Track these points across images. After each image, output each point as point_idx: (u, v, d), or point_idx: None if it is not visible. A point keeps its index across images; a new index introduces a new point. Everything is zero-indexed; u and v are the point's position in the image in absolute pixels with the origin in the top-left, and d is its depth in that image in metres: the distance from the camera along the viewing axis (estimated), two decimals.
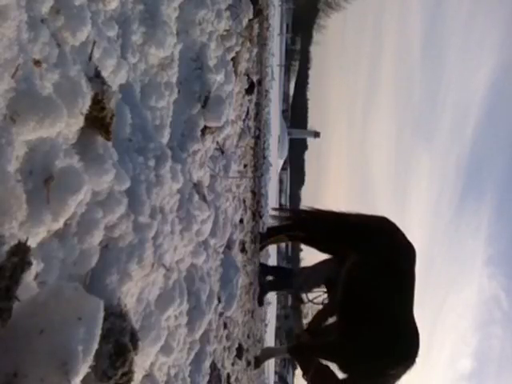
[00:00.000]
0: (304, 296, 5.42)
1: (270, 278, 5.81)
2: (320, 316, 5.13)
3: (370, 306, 4.18)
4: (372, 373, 4.20)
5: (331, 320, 4.90)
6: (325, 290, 5.05)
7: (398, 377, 4.20)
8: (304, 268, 5.72)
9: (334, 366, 4.48)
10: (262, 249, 5.77)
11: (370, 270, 4.29)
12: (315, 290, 5.15)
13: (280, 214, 5.79)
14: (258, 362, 5.04)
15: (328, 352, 4.52)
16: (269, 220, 6.11)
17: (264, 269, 5.61)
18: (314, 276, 5.10)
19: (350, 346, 4.22)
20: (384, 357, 4.10)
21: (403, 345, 4.16)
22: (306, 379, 4.64)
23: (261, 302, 5.78)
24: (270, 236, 5.63)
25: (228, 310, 2.75)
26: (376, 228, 4.67)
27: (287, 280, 5.42)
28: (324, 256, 5.16)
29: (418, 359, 4.15)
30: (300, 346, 4.85)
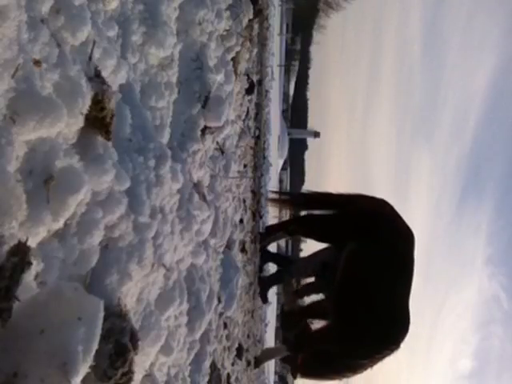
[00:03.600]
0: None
1: (269, 273, 5.82)
2: (308, 286, 5.22)
3: (368, 291, 4.23)
4: (361, 354, 4.32)
5: (318, 297, 4.96)
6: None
7: (382, 359, 4.36)
8: (304, 257, 5.80)
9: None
10: (262, 249, 5.78)
11: (369, 256, 4.34)
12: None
13: (279, 198, 5.78)
14: (258, 363, 5.06)
15: (322, 335, 4.59)
16: (267, 204, 6.14)
17: (265, 255, 5.65)
18: (312, 262, 5.14)
19: (345, 327, 4.30)
20: (377, 341, 4.22)
21: (396, 331, 4.28)
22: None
23: (265, 299, 5.80)
24: (269, 234, 5.64)
25: (228, 309, 2.75)
26: (375, 213, 4.69)
27: (287, 267, 5.47)
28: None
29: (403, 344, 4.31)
30: (291, 315, 4.95)
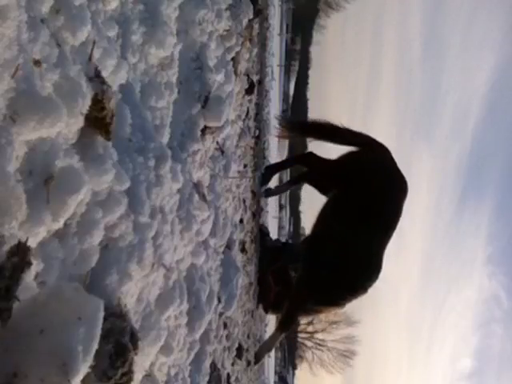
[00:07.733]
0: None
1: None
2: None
3: (347, 233, 4.34)
4: (328, 298, 4.46)
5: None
6: None
7: (349, 301, 4.49)
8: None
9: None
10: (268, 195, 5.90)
11: (357, 200, 4.43)
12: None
13: (284, 124, 5.62)
14: (258, 358, 5.08)
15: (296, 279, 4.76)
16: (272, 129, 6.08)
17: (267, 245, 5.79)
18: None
19: (317, 267, 4.42)
20: (345, 287, 4.34)
21: (366, 278, 4.39)
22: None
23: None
24: (272, 172, 5.71)
25: (228, 310, 2.75)
26: (375, 162, 4.76)
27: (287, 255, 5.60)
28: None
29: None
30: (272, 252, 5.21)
